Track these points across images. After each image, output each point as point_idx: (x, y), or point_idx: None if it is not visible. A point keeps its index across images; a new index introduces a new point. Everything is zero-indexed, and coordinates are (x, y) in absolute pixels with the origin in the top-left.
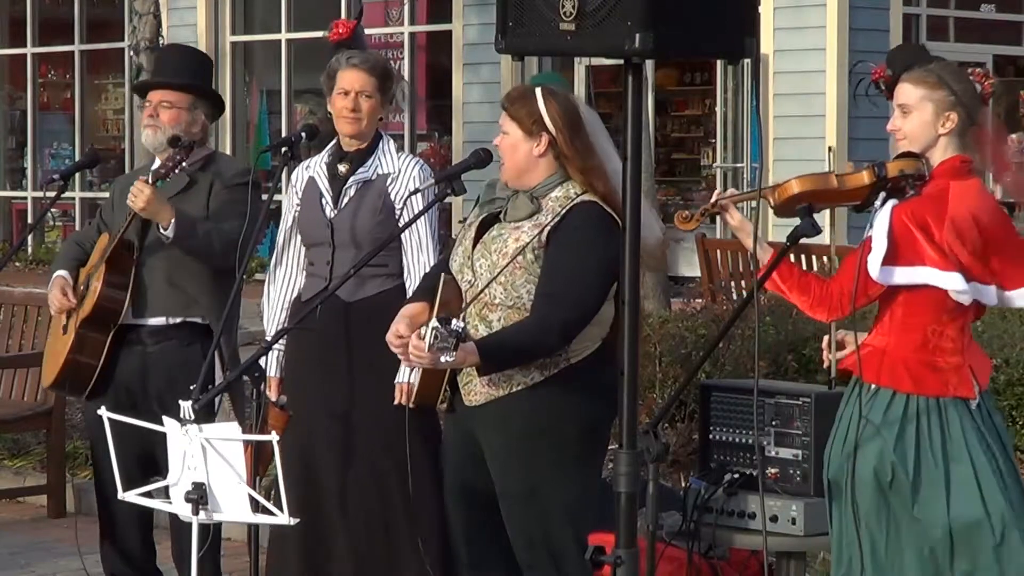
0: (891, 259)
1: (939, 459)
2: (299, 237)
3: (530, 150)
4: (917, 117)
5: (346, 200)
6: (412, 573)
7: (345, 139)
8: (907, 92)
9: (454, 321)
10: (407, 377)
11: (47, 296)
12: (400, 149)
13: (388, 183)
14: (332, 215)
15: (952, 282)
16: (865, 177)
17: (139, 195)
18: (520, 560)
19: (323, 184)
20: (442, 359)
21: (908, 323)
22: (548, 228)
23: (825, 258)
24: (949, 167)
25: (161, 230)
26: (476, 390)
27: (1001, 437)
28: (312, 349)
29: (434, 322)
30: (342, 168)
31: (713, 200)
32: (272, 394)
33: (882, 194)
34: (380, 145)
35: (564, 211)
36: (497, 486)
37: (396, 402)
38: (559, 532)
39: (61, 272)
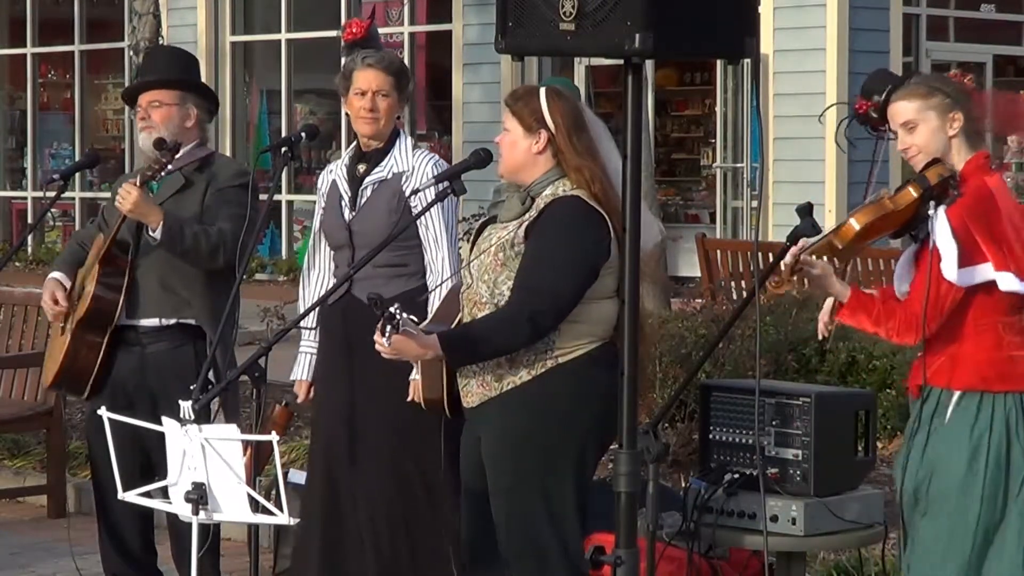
0: (965, 260)
1: None
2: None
3: (529, 147)
4: (924, 128)
5: (363, 201)
6: (435, 573)
7: (364, 139)
8: (905, 109)
9: (395, 306)
10: (416, 374)
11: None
12: (417, 146)
13: (403, 181)
14: (350, 217)
15: (1005, 281)
16: (912, 191)
17: (126, 197)
18: (504, 557)
19: (343, 186)
20: (384, 343)
21: (980, 323)
22: (527, 223)
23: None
24: (976, 164)
25: (149, 232)
26: (472, 391)
27: None
28: (336, 351)
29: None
30: (360, 169)
31: (792, 261)
32: (300, 396)
33: (931, 202)
34: (397, 143)
35: (544, 206)
36: (489, 483)
37: (408, 398)
38: (543, 532)
39: (54, 275)
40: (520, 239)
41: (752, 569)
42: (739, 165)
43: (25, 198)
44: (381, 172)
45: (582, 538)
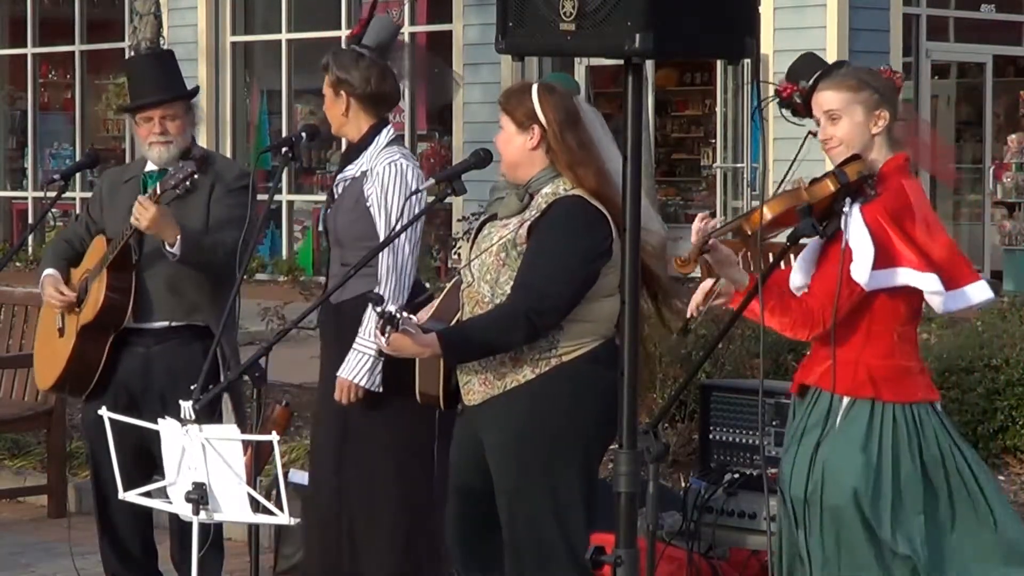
0: (881, 262)
1: (917, 464)
2: None
3: (523, 143)
4: (848, 121)
5: (335, 198)
6: (379, 573)
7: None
8: (831, 98)
9: (391, 306)
10: (346, 373)
11: (42, 297)
12: (394, 142)
13: (364, 180)
14: (326, 215)
15: (928, 283)
16: (830, 184)
17: (143, 215)
18: (507, 557)
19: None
20: (383, 342)
21: (875, 330)
22: (529, 222)
23: None
24: (895, 166)
25: (167, 248)
26: (474, 389)
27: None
28: (323, 350)
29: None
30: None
31: (701, 240)
32: None
33: (847, 199)
34: (375, 140)
35: (547, 205)
36: (494, 482)
37: (335, 396)
38: (547, 532)
39: (49, 271)
40: (522, 238)
41: (752, 569)
42: (739, 165)
43: (25, 198)
44: (352, 170)
45: (588, 535)
